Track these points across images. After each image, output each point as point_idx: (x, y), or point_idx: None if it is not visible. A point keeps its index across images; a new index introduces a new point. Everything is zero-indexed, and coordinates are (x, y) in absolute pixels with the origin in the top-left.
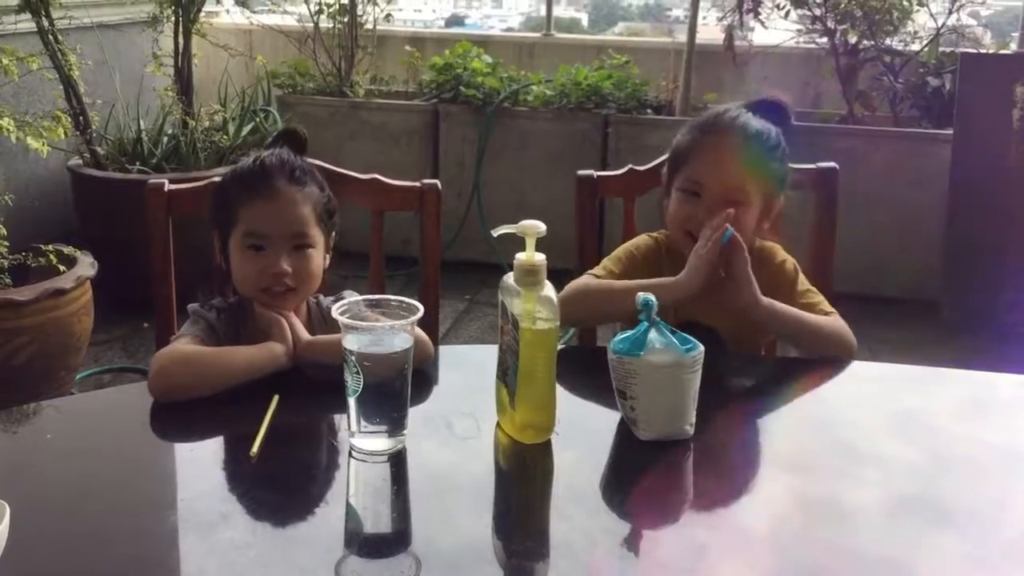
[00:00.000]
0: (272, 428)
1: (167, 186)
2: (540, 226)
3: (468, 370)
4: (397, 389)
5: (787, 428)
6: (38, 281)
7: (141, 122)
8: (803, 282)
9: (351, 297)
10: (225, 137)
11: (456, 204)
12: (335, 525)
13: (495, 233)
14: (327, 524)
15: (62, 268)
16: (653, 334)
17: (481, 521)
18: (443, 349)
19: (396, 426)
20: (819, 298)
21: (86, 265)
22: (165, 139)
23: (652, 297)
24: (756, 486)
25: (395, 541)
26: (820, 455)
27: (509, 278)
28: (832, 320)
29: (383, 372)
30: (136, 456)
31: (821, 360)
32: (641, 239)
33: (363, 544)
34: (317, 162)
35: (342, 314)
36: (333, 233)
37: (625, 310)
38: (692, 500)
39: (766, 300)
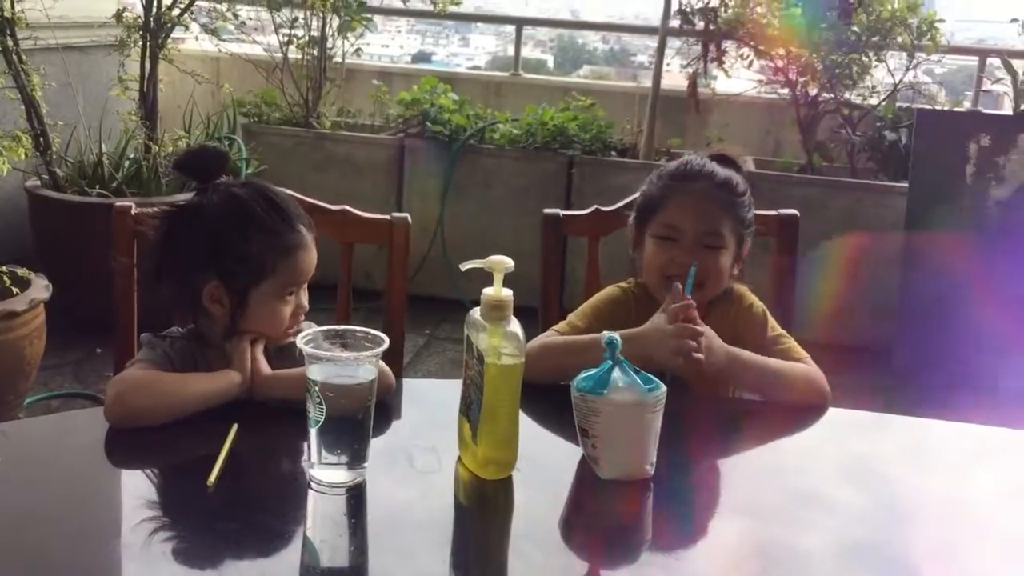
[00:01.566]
0: (230, 457)
1: (134, 209)
2: (508, 262)
3: (430, 404)
4: (360, 421)
5: (743, 472)
6: None
7: (103, 145)
8: (774, 326)
9: (310, 329)
10: None
11: (419, 239)
12: (291, 558)
13: (463, 267)
14: (283, 557)
15: (15, 290)
16: (617, 373)
17: (439, 557)
18: (405, 383)
19: (356, 458)
20: (790, 343)
21: (40, 288)
22: (127, 163)
23: (616, 336)
24: (712, 529)
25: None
26: (774, 500)
27: (475, 313)
28: (802, 367)
29: (346, 403)
30: (84, 484)
31: (780, 405)
32: (609, 291)
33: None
34: (290, 192)
35: (307, 344)
36: None
37: (590, 364)
38: (650, 541)
39: (725, 348)
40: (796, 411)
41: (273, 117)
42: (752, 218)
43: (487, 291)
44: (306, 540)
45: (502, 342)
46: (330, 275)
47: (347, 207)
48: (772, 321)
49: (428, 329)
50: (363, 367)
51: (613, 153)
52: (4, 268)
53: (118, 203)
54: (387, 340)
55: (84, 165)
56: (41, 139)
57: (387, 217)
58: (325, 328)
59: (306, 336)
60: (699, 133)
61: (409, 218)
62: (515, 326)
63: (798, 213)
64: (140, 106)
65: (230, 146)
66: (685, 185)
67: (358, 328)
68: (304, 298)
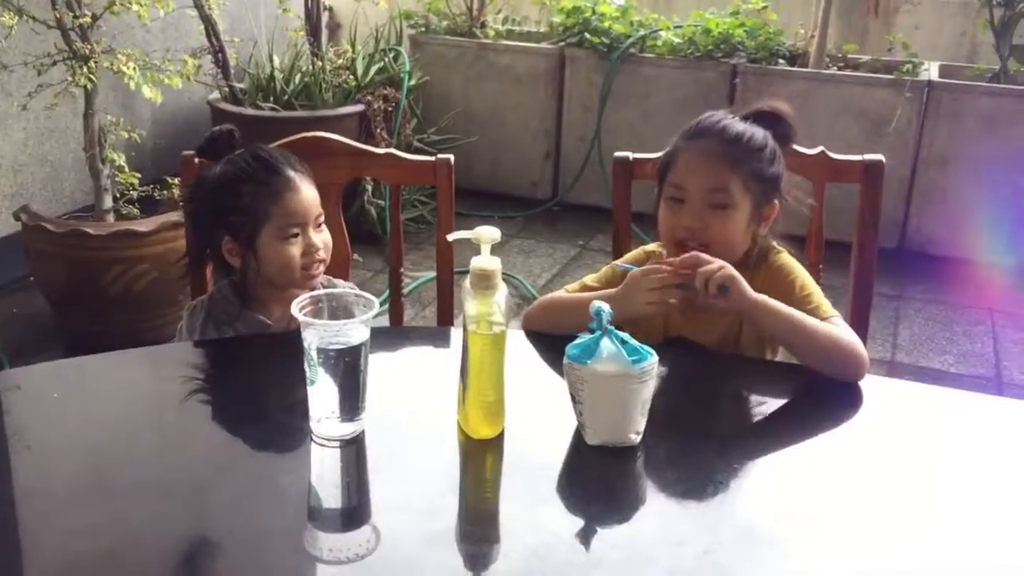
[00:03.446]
0: (236, 417)
1: (198, 159)
2: (495, 233)
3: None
4: (353, 379)
5: (737, 441)
6: (167, 211)
7: (275, 60)
8: (803, 286)
9: (342, 288)
10: (352, 78)
11: (578, 148)
12: (299, 507)
13: (450, 238)
14: (291, 506)
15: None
16: (604, 343)
17: (436, 503)
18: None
19: (351, 412)
20: (818, 302)
21: None
22: (297, 77)
23: (605, 306)
24: (679, 496)
25: (356, 517)
26: (761, 476)
27: (467, 282)
28: (837, 331)
29: (339, 365)
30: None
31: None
32: (631, 254)
33: (325, 520)
34: (328, 135)
35: (301, 310)
36: None
37: (583, 322)
38: (624, 506)
39: (756, 296)
40: (817, 379)
41: (441, 27)
42: (778, 175)
43: (474, 261)
44: (311, 488)
45: (488, 311)
46: (486, 181)
47: (393, 151)
48: (803, 282)
49: (581, 240)
50: (353, 330)
51: (781, 61)
52: (176, 180)
53: (184, 152)
54: (376, 303)
55: (260, 79)
56: (220, 55)
57: (431, 159)
58: (318, 292)
59: (301, 301)
60: (882, 37)
61: (452, 159)
62: (500, 295)
63: (883, 159)
64: (306, 21)
65: (395, 58)
66: (692, 143)
67: (353, 291)
68: (316, 238)
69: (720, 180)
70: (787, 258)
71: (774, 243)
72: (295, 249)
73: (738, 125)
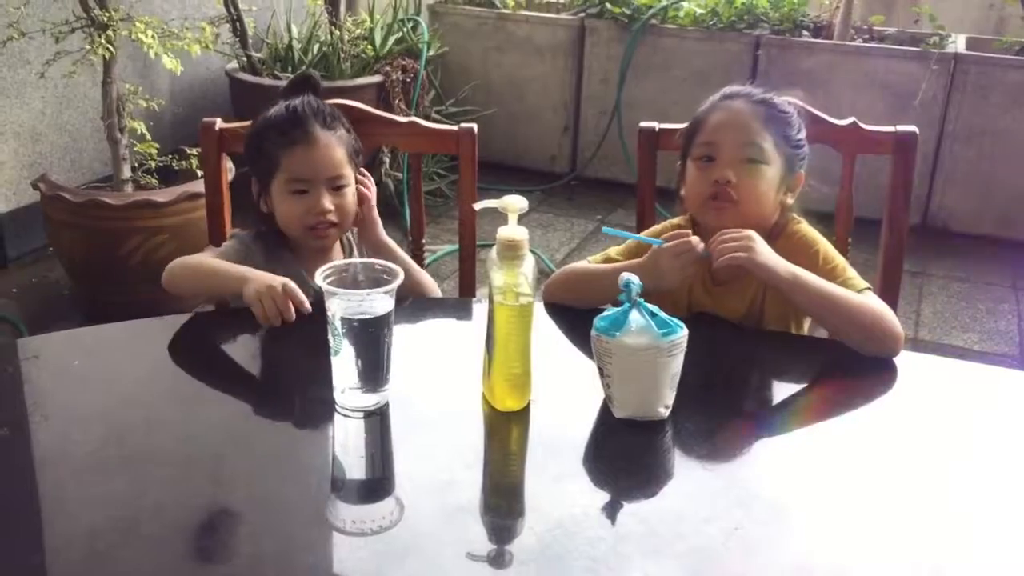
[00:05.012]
0: (258, 386)
1: (218, 124)
2: (522, 202)
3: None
4: (377, 349)
5: (770, 417)
6: (186, 182)
7: (293, 29)
8: (827, 259)
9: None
10: (370, 47)
11: (598, 122)
12: (322, 479)
13: (476, 207)
14: (314, 478)
15: (200, 173)
16: (634, 315)
17: (461, 476)
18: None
19: (375, 383)
20: (846, 275)
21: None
22: (316, 47)
23: (635, 278)
24: (708, 476)
25: (378, 489)
26: (790, 451)
27: (494, 252)
28: (870, 304)
29: (363, 335)
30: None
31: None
32: (656, 227)
33: (348, 491)
34: (349, 102)
35: (325, 279)
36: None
37: (606, 294)
38: (648, 481)
39: (788, 272)
40: (847, 354)
41: None
42: (803, 145)
43: (502, 230)
44: (335, 459)
45: (515, 281)
46: (505, 153)
47: (415, 119)
48: (827, 253)
49: (600, 214)
50: (378, 300)
51: (805, 33)
52: (194, 150)
53: (205, 119)
54: (402, 273)
55: (278, 48)
56: (237, 24)
57: (454, 128)
58: (343, 262)
59: (325, 270)
60: (908, 9)
61: (475, 128)
62: (528, 265)
63: (916, 130)
64: None
65: (413, 28)
66: (721, 103)
67: (377, 261)
68: (326, 200)
69: (752, 135)
70: (807, 228)
71: (792, 215)
72: (297, 206)
73: (764, 93)
